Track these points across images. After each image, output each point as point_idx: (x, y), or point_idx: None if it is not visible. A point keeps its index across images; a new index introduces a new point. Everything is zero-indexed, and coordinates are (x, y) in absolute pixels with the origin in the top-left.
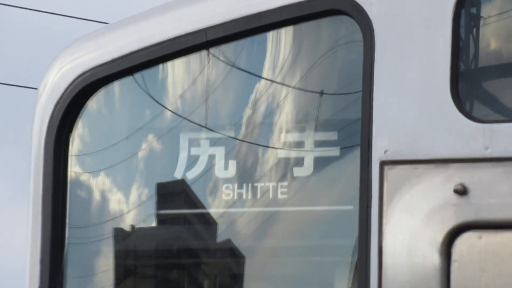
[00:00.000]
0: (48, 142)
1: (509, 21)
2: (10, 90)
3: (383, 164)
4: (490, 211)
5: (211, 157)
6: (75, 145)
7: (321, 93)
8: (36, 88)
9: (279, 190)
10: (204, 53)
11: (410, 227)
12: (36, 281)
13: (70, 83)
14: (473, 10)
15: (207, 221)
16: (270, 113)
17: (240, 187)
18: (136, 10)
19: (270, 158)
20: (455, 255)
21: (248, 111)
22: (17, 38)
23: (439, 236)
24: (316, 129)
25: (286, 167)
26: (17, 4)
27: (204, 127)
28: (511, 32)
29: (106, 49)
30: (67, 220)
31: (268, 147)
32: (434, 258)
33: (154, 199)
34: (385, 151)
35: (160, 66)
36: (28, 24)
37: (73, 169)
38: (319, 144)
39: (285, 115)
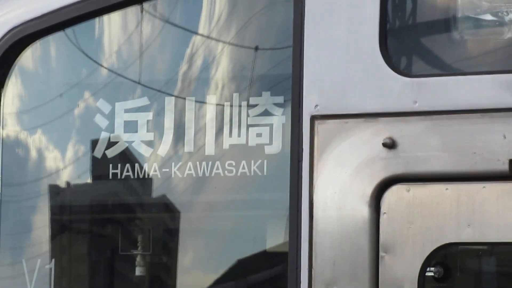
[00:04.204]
0: None
1: None
2: None
3: (313, 118)
4: (418, 164)
5: (145, 113)
6: (7, 102)
7: (255, 48)
8: None
9: (214, 146)
10: (137, 8)
11: (340, 181)
12: None
13: (1, 37)
14: None
15: (141, 177)
16: (204, 69)
17: (175, 143)
18: None
19: (204, 114)
20: (384, 207)
21: (182, 67)
22: None
23: (369, 189)
24: (249, 85)
25: (220, 123)
26: None
27: (139, 83)
28: None
29: (36, 4)
30: None
31: (202, 102)
32: (364, 211)
33: (88, 156)
34: (316, 106)
35: (94, 21)
36: None
37: (6, 125)
38: (252, 100)
39: (220, 70)
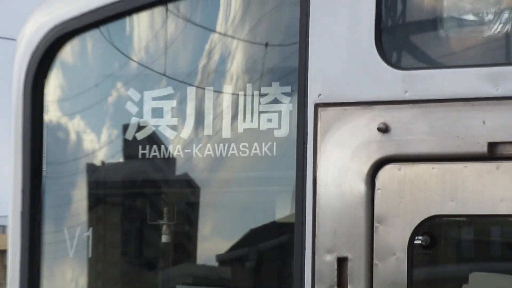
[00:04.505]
0: (26, 87)
1: None
2: None
3: (317, 106)
4: (408, 146)
5: (170, 101)
6: (49, 91)
7: (266, 45)
8: (14, 40)
9: (230, 130)
10: (162, 9)
11: (340, 161)
12: (19, 207)
13: (44, 35)
14: None
15: (167, 157)
16: (221, 63)
17: (196, 127)
18: None
19: (221, 102)
20: (378, 184)
21: (202, 61)
22: None
23: (365, 168)
24: (260, 77)
25: (235, 109)
26: None
27: (164, 75)
28: None
29: (75, 5)
30: (44, 156)
31: (219, 92)
32: (361, 187)
33: (120, 138)
34: (319, 95)
35: (125, 20)
36: None
37: (49, 111)
38: (263, 90)
39: (235, 64)
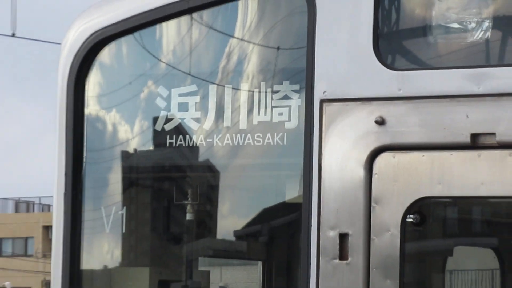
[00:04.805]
0: (69, 85)
1: None
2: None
3: (322, 102)
4: (401, 137)
5: (194, 97)
6: (90, 88)
7: (278, 48)
8: (59, 43)
9: (246, 122)
10: (188, 17)
11: (342, 149)
12: (62, 189)
13: (85, 39)
14: None
15: (191, 145)
16: (239, 64)
17: (217, 120)
18: None
19: (239, 97)
20: (376, 170)
21: (222, 62)
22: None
23: (364, 155)
24: (273, 76)
25: (251, 104)
26: None
27: (189, 74)
28: None
29: (113, 13)
30: (84, 144)
31: (237, 89)
32: (360, 172)
33: (151, 129)
34: (324, 92)
35: (156, 27)
36: None
37: (89, 105)
38: (275, 87)
39: (251, 64)
